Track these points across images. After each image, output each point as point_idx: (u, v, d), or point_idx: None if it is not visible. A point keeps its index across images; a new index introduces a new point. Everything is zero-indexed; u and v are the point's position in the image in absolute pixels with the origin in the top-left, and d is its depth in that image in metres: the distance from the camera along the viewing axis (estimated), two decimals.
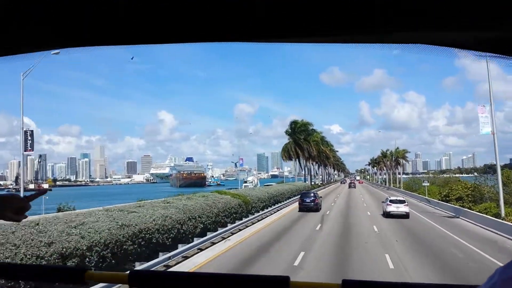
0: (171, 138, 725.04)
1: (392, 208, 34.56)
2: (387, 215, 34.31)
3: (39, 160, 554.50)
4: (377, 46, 0.98)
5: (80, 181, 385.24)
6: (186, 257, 17.50)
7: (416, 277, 14.28)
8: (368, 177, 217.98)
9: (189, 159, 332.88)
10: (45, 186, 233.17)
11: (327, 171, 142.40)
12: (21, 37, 1.03)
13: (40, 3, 0.89)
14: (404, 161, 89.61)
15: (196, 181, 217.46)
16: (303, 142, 74.62)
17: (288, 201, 50.47)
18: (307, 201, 40.25)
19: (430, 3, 0.83)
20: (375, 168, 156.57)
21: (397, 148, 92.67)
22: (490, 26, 0.86)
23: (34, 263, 10.13)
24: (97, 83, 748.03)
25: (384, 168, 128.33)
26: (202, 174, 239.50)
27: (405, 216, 33.71)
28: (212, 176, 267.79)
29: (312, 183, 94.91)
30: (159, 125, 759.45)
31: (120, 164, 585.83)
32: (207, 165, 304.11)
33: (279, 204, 44.45)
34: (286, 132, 75.95)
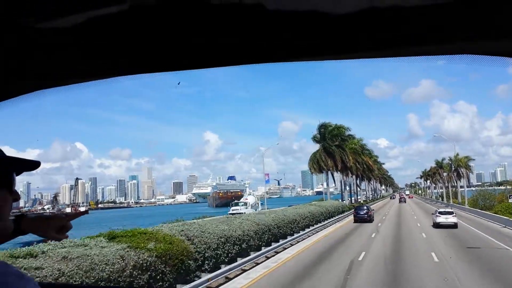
0: (217, 158, 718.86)
1: (441, 219, 37.02)
2: (437, 225, 36.86)
3: (91, 184, 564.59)
4: (424, 58, 0.95)
5: (123, 203, 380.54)
6: None
7: None
8: (420, 191, 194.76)
9: (231, 177, 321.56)
10: (82, 209, 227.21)
11: (371, 186, 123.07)
12: (79, 69, 1.11)
13: (97, 38, 0.95)
14: (466, 171, 70.36)
15: (232, 200, 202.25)
16: (336, 150, 57.99)
17: (299, 235, 30.98)
18: (361, 213, 44.67)
19: (476, 14, 0.79)
20: (428, 181, 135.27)
21: (457, 155, 73.66)
22: None
23: None
24: (145, 108, 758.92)
25: (440, 180, 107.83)
26: (239, 193, 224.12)
27: (454, 226, 36.28)
28: (249, 195, 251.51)
29: (353, 200, 77.22)
30: (204, 146, 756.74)
31: (168, 185, 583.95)
32: (245, 183, 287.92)
33: (271, 249, 24.15)
34: (314, 138, 59.58)
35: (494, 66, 0.92)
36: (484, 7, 0.78)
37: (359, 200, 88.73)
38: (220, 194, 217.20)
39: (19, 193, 1.12)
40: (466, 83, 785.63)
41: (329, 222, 41.15)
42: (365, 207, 47.70)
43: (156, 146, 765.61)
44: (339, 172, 63.95)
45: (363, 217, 43.68)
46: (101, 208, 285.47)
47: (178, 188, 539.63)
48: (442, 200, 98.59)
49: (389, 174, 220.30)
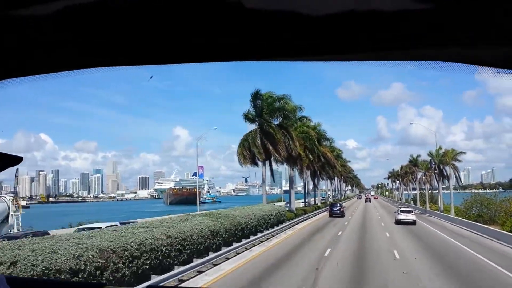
0: (186, 154, 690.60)
1: (402, 217, 41.67)
2: (398, 222, 41.51)
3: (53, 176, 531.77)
4: (393, 63, 0.94)
5: (81, 197, 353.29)
6: None
7: None
8: (386, 193, 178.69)
9: (195, 174, 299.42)
10: (23, 203, 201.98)
11: (334, 185, 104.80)
12: (46, 59, 1.05)
13: (66, 28, 0.89)
14: (453, 170, 52.21)
15: (188, 198, 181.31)
16: (277, 130, 38.83)
17: None
18: (335, 209, 52.70)
19: (450, 21, 0.78)
20: (397, 182, 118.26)
21: (439, 148, 55.56)
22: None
23: None
24: (115, 101, 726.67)
25: (412, 181, 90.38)
26: (195, 190, 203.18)
27: (412, 223, 40.79)
28: (208, 192, 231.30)
29: (307, 202, 58.41)
30: (174, 141, 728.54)
31: (135, 179, 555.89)
32: (204, 179, 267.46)
33: None
34: (247, 115, 39.85)
35: (462, 73, 0.91)
36: (455, 16, 0.76)
37: (317, 201, 70.06)
38: (175, 191, 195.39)
39: None
40: (434, 88, 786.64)
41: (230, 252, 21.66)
42: (338, 205, 55.98)
43: (124, 140, 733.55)
44: (284, 164, 45.05)
45: (336, 213, 51.46)
46: (53, 202, 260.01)
47: (144, 183, 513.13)
48: (415, 204, 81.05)
49: (355, 174, 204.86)
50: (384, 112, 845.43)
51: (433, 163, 57.25)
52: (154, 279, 13.17)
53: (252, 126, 40.63)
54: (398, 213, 42.61)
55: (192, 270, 15.54)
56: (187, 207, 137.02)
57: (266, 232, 28.60)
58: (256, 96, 39.05)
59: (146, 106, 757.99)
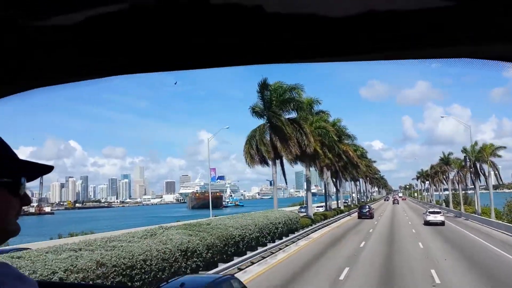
0: (211, 158, 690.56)
1: (431, 217, 42.07)
2: (427, 223, 41.78)
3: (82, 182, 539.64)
4: (418, 61, 0.92)
5: (107, 203, 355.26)
6: None
7: None
8: (415, 194, 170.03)
9: (221, 177, 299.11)
10: (48, 209, 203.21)
11: (358, 187, 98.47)
12: (76, 68, 1.07)
13: (96, 37, 0.92)
14: (493, 166, 45.48)
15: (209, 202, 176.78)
16: (287, 124, 33.65)
17: None
18: (363, 211, 54.05)
19: (473, 18, 0.77)
20: (426, 183, 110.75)
21: (475, 143, 48.88)
22: None
23: None
24: (140, 106, 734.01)
25: (444, 181, 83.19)
26: (218, 194, 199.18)
27: (441, 224, 40.99)
28: (231, 195, 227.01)
29: (328, 205, 52.84)
30: (199, 145, 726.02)
31: (162, 184, 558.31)
32: (226, 183, 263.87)
33: None
34: (254, 109, 34.71)
35: (489, 70, 0.89)
36: (480, 11, 0.75)
37: (340, 204, 64.26)
38: (197, 195, 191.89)
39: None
40: (460, 86, 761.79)
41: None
42: (367, 207, 57.33)
43: (151, 146, 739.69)
44: (299, 164, 39.81)
45: (365, 214, 52.71)
46: (79, 208, 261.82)
47: (171, 187, 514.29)
48: (447, 206, 74.00)
49: (382, 175, 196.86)
50: (410, 111, 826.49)
51: (468, 160, 50.69)
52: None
53: (261, 122, 35.65)
54: (427, 214, 43.79)
55: None
56: (209, 211, 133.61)
57: (271, 245, 23.49)
58: (263, 86, 33.92)
59: (169, 111, 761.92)
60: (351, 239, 30.02)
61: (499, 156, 44.76)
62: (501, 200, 49.35)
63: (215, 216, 34.70)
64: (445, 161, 70.32)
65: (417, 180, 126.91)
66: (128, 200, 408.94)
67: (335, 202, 66.42)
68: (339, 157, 54.42)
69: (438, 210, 46.05)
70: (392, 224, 44.30)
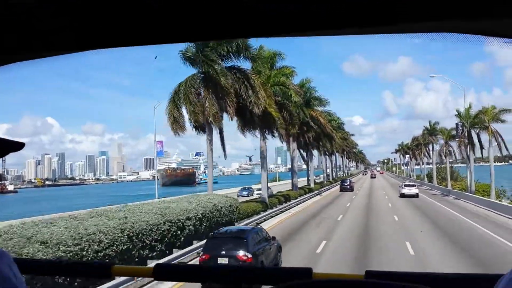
0: (192, 134, 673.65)
1: (406, 190, 43.73)
2: (402, 195, 43.13)
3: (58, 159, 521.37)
4: (402, 35, 0.91)
5: (77, 180, 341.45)
6: None
7: None
8: (394, 168, 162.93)
9: (198, 153, 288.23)
10: (10, 187, 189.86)
11: (334, 161, 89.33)
12: (47, 41, 1.02)
13: (65, 9, 0.87)
14: (494, 135, 35.99)
15: (182, 179, 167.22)
16: (223, 74, 23.45)
17: None
18: (345, 184, 57.43)
19: None
20: (406, 156, 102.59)
21: (469, 107, 39.44)
22: None
23: None
24: (122, 82, 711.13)
25: (427, 154, 74.58)
26: (191, 170, 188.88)
27: (415, 196, 42.44)
28: (204, 172, 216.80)
29: (294, 183, 43.19)
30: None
31: (141, 161, 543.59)
32: (200, 159, 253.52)
33: None
34: (184, 54, 24.39)
35: (470, 44, 0.89)
36: None
37: (311, 182, 54.79)
38: (168, 172, 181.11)
39: None
40: (441, 61, 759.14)
41: None
42: (348, 180, 60.57)
43: (131, 122, 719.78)
44: (251, 131, 29.81)
45: (346, 187, 56.30)
46: (49, 186, 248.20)
47: (150, 164, 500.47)
48: (430, 181, 65.48)
49: (360, 149, 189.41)
50: (391, 86, 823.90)
51: (460, 127, 41.41)
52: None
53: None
54: (402, 187, 45.64)
55: None
56: (181, 188, 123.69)
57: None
58: None
59: (151, 87, 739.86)
60: (310, 234, 20.41)
61: (503, 121, 35.53)
62: (497, 176, 40.77)
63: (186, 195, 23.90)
64: (431, 131, 61.33)
65: (397, 153, 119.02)
66: (103, 177, 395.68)
67: (306, 178, 57.17)
68: (308, 126, 44.65)
69: (413, 184, 48.96)
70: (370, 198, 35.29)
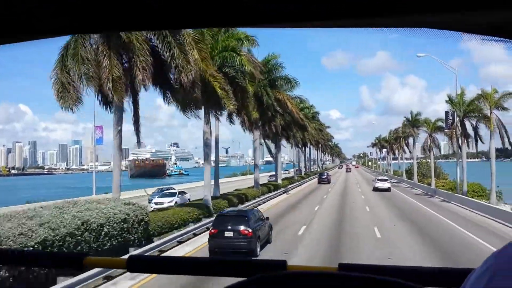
0: (169, 125, 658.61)
1: (379, 184, 44.86)
2: (375, 189, 44.29)
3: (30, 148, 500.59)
4: (378, 30, 0.90)
5: (46, 170, 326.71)
6: None
7: None
8: (369, 163, 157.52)
9: (174, 144, 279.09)
10: None
11: (308, 154, 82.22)
12: (19, 26, 0.97)
13: None
14: (498, 124, 29.31)
15: (151, 170, 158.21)
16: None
17: None
18: (322, 177, 58.88)
19: None
20: (383, 150, 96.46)
21: (462, 93, 32.66)
22: (500, 7, 0.78)
23: None
24: None
25: (407, 148, 68.20)
26: (161, 161, 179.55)
27: (387, 190, 43.34)
28: (175, 164, 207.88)
29: (259, 177, 35.67)
30: (157, 111, 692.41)
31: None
32: (170, 150, 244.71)
33: None
34: None
35: (447, 40, 0.88)
36: None
37: (278, 177, 47.24)
38: (136, 163, 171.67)
39: None
40: (418, 58, 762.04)
41: None
42: (325, 173, 63.13)
43: (107, 111, 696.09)
44: (192, 110, 22.07)
45: (323, 180, 57.36)
46: (15, 175, 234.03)
47: (125, 154, 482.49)
48: (410, 178, 59.04)
49: (336, 143, 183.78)
50: (369, 81, 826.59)
51: (450, 116, 34.57)
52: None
53: None
54: (376, 181, 46.81)
55: None
56: (150, 180, 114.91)
57: None
58: None
59: None
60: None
61: (505, 109, 28.71)
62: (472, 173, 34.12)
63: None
64: (413, 122, 54.62)
65: (373, 147, 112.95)
66: (74, 167, 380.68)
67: (274, 172, 49.68)
68: (274, 111, 37.06)
69: (386, 178, 50.25)
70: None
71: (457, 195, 33.12)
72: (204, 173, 24.84)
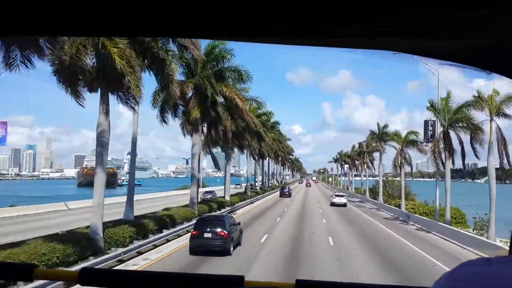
0: (129, 132, 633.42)
1: (336, 200, 45.95)
2: (332, 204, 45.41)
3: None
4: (344, 50, 0.92)
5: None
6: None
7: None
8: (330, 179, 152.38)
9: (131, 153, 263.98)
10: None
11: (263, 167, 74.66)
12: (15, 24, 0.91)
13: None
14: (498, 135, 23.27)
15: None
16: None
17: None
18: (284, 191, 59.57)
19: (403, 15, 0.76)
20: (345, 166, 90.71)
21: (448, 95, 26.59)
22: (461, 36, 0.82)
23: None
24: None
25: (371, 164, 62.19)
26: (111, 170, 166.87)
27: (344, 205, 44.53)
28: (127, 173, 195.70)
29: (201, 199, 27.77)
30: (118, 119, 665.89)
31: (72, 158, 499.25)
32: (123, 158, 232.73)
33: None
34: None
35: (408, 63, 0.89)
36: (405, 10, 0.75)
37: (225, 193, 39.39)
38: (85, 171, 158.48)
39: None
40: (379, 78, 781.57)
41: None
42: (287, 187, 64.35)
43: (64, 115, 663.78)
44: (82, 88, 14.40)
45: (285, 194, 58.37)
46: None
47: (80, 161, 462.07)
48: (375, 198, 52.76)
49: (297, 157, 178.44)
50: (330, 98, 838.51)
51: (430, 126, 28.19)
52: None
53: None
54: (333, 197, 48.21)
55: None
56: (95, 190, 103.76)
57: None
58: None
59: None
60: None
61: (507, 116, 22.37)
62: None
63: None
64: (380, 135, 48.45)
65: (335, 162, 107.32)
66: (24, 173, 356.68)
67: (220, 187, 41.81)
68: (223, 110, 29.38)
69: (343, 194, 51.65)
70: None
71: (439, 223, 26.45)
72: (95, 185, 16.61)
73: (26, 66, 12.60)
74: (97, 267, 11.17)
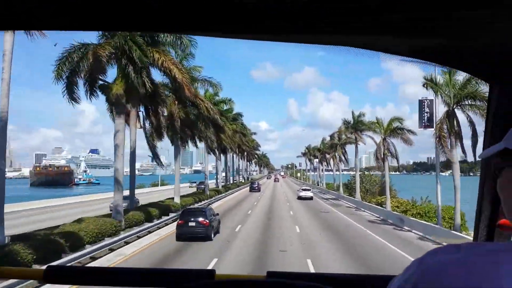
0: (92, 131, 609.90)
1: (302, 193, 46.51)
2: (299, 198, 46.07)
3: None
4: (309, 46, 0.91)
5: None
6: None
7: None
8: (298, 174, 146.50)
9: (94, 151, 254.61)
10: None
11: (226, 162, 66.96)
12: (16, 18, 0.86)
13: None
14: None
15: (55, 178, 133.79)
16: None
17: None
18: (253, 186, 62.83)
19: (366, 11, 0.77)
20: (315, 161, 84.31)
21: (451, 72, 20.51)
22: (422, 34, 0.83)
23: None
24: (12, 69, 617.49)
25: (344, 158, 55.73)
26: (66, 169, 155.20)
27: (310, 199, 45.11)
28: (85, 171, 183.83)
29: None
30: (79, 117, 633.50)
31: (32, 157, 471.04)
32: (80, 156, 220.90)
33: None
34: None
35: (369, 59, 0.90)
36: (365, 5, 0.75)
37: (175, 194, 31.61)
38: (38, 169, 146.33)
39: None
40: (343, 74, 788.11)
41: None
42: (256, 183, 67.46)
43: (22, 114, 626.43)
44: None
45: (254, 189, 61.17)
46: None
47: (40, 160, 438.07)
48: (352, 195, 46.35)
49: (264, 153, 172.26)
50: (296, 95, 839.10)
51: (427, 108, 21.66)
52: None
53: None
54: (300, 191, 48.81)
55: None
56: (53, 190, 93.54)
57: None
58: None
59: (44, 78, 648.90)
60: None
61: None
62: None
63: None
64: (355, 125, 41.76)
65: (304, 156, 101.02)
66: None
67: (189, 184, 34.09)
68: (148, 84, 21.58)
69: (309, 188, 52.02)
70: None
71: (451, 231, 19.75)
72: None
73: None
74: None
